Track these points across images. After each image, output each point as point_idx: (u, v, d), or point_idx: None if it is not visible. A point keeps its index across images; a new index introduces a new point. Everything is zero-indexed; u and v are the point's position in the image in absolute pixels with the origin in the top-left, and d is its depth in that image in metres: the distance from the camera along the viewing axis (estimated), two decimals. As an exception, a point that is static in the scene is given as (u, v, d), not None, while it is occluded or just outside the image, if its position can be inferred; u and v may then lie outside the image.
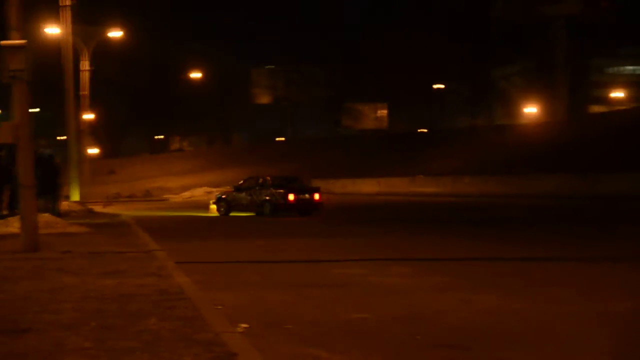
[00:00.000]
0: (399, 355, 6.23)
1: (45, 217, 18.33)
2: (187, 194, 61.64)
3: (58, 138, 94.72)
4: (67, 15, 36.24)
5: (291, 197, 28.69)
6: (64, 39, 36.29)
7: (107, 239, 15.79)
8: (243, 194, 30.26)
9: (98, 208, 35.00)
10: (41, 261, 11.39)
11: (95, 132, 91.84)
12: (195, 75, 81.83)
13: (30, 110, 13.40)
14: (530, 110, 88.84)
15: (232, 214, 30.60)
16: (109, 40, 49.42)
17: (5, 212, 18.96)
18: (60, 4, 36.37)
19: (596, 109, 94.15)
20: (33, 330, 6.36)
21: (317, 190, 30.12)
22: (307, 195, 29.35)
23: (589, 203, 31.86)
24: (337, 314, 7.83)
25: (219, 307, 7.88)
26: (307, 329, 7.11)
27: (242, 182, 31.59)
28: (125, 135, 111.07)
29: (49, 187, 23.74)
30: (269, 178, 30.53)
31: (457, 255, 13.28)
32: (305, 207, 28.93)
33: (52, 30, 42.89)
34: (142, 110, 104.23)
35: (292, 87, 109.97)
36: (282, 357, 6.06)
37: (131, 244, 14.67)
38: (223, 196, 31.77)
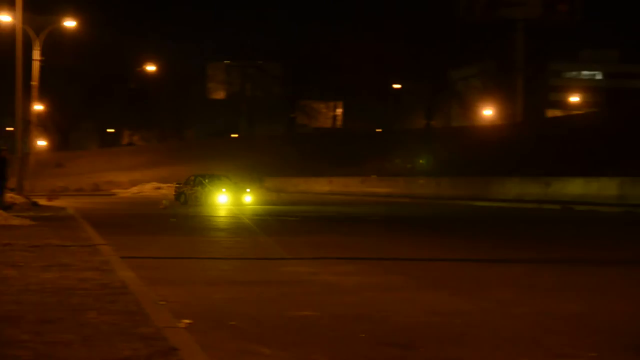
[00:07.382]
0: (342, 352, 6.16)
1: (-14, 209, 18.00)
2: (135, 189, 61.05)
3: (7, 129, 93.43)
4: (19, 2, 35.73)
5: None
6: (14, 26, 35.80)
7: (51, 232, 15.55)
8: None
9: (43, 201, 34.51)
10: (-19, 253, 11.16)
11: (44, 124, 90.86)
12: (150, 68, 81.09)
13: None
14: (487, 112, 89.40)
15: None
16: (63, 30, 48.80)
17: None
18: None
19: (553, 112, 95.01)
20: (-33, 322, 6.20)
21: None
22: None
23: (537, 207, 32.14)
24: (282, 311, 7.76)
25: (163, 302, 7.76)
26: (251, 325, 7.03)
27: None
28: (75, 128, 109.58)
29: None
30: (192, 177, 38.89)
31: (404, 255, 13.26)
32: None
33: (3, 17, 42.27)
34: (94, 103, 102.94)
35: (247, 83, 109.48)
36: (224, 353, 5.97)
37: (75, 237, 14.45)
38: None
